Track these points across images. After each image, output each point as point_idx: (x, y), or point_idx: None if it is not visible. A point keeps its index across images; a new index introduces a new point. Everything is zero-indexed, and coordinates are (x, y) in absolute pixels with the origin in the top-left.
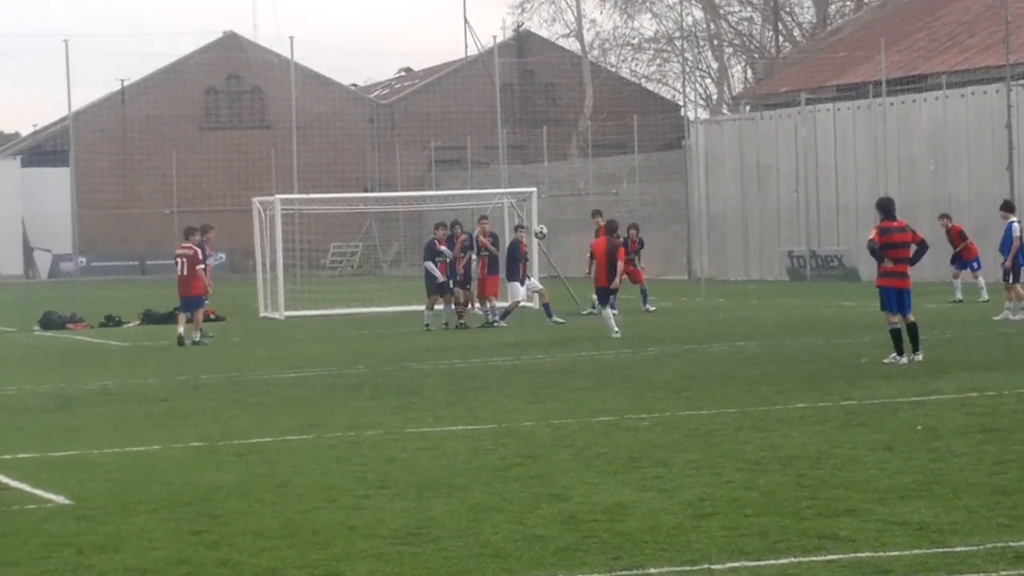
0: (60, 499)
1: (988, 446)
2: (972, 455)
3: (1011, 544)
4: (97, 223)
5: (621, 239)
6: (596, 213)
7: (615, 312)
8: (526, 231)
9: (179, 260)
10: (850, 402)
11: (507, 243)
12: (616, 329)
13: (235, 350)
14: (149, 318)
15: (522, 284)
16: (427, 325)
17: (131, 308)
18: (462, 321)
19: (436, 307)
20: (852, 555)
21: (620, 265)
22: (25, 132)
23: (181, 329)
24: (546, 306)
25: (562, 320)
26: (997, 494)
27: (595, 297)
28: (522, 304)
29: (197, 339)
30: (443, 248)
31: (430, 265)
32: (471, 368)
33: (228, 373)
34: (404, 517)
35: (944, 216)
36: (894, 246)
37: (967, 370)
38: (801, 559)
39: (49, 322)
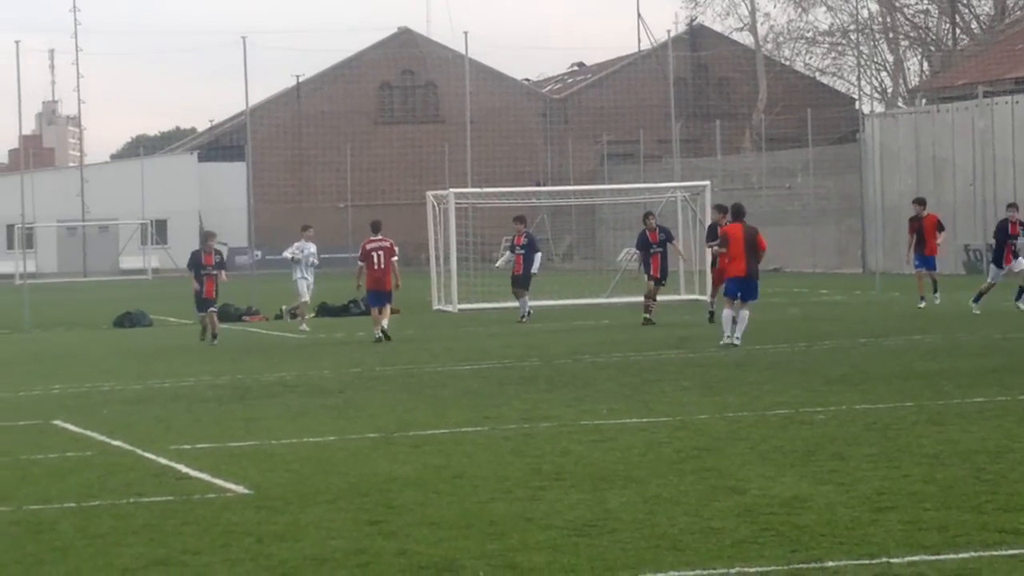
0: (240, 488)
1: None
2: None
3: None
4: (272, 217)
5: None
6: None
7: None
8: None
9: (376, 254)
10: None
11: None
12: (732, 334)
13: (409, 343)
14: (324, 311)
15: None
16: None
17: None
18: (648, 315)
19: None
20: None
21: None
22: (202, 128)
23: (380, 326)
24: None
25: None
26: None
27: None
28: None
29: (386, 327)
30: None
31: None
32: (644, 361)
33: (403, 365)
34: (580, 509)
35: None
36: None
37: None
38: (982, 553)
39: (225, 315)
